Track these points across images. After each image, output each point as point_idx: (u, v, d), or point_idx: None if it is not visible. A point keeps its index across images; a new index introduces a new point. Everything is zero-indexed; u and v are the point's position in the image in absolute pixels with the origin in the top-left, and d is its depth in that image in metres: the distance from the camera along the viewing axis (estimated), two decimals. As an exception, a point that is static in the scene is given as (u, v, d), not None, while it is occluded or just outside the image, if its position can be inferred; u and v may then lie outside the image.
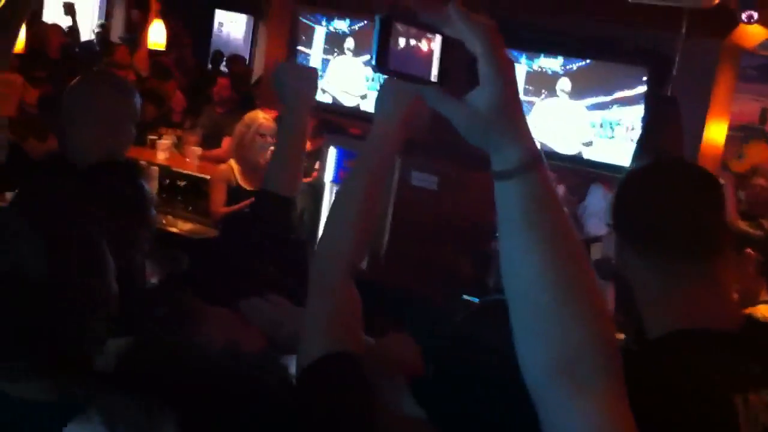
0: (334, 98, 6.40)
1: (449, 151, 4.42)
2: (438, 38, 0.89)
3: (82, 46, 8.41)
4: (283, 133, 2.08)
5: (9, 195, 3.04)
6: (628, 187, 1.48)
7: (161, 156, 5.86)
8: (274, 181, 2.01)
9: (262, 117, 4.66)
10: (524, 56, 5.84)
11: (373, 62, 0.92)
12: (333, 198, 4.70)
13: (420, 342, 1.61)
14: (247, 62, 10.48)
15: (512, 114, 0.89)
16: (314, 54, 6.36)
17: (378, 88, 1.55)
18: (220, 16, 12.04)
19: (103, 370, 1.34)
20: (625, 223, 1.45)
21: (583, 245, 0.94)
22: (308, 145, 6.23)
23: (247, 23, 12.33)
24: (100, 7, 10.41)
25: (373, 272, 4.41)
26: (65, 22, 7.81)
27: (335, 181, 4.59)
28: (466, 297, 3.64)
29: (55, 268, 1.20)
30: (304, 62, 6.29)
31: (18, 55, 5.67)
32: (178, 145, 6.18)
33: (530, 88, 5.87)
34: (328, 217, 1.46)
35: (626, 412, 0.91)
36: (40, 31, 6.88)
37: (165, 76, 7.11)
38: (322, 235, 1.46)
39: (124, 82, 2.67)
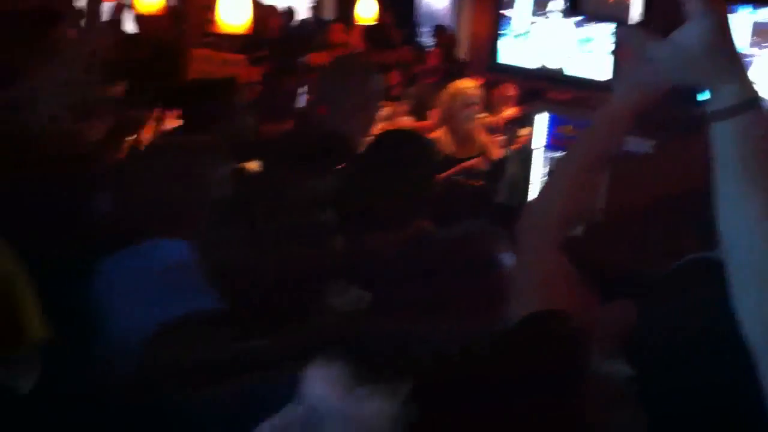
0: (540, 61, 6.28)
1: (665, 111, 4.21)
2: None
3: (299, 24, 8.87)
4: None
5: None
6: None
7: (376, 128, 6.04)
8: None
9: (469, 86, 4.69)
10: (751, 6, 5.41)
11: (568, 4, 0.92)
12: (544, 164, 4.65)
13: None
14: (450, 32, 10.51)
15: (726, 48, 0.84)
16: (519, 16, 6.27)
17: (611, 60, 1.50)
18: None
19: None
20: None
21: None
22: (515, 111, 6.20)
23: (450, -9, 12.35)
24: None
25: (589, 243, 4.33)
26: (281, 2, 8.28)
27: (548, 147, 4.53)
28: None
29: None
30: (507, 25, 6.22)
31: (240, 36, 6.01)
32: (390, 118, 6.36)
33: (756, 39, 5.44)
34: (543, 186, 1.45)
35: None
36: (259, 13, 7.30)
37: (385, 45, 7.29)
38: (532, 202, 1.45)
39: (371, 63, 2.96)
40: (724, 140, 0.87)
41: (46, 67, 2.39)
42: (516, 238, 1.42)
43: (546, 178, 1.53)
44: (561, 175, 1.40)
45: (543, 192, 1.42)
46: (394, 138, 2.37)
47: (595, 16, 1.07)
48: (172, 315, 1.65)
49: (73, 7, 5.14)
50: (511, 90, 6.18)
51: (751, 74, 0.87)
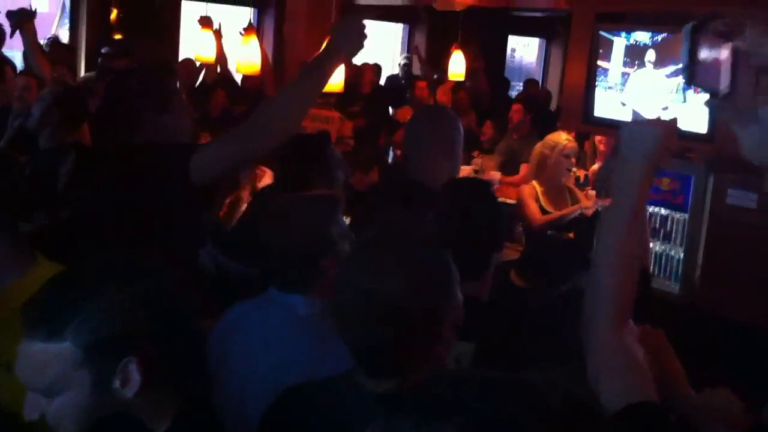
0: (634, 112, 6.18)
1: (769, 164, 4.07)
2: (728, 47, 0.83)
3: (388, 80, 9.05)
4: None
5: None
6: None
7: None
8: None
9: (565, 138, 4.65)
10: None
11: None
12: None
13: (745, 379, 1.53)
14: (540, 85, 10.51)
15: None
16: (613, 68, 6.22)
17: (626, 128, 1.51)
18: (513, 41, 12.23)
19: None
20: None
21: None
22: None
23: (540, 46, 12.40)
24: (402, 41, 11.09)
25: (687, 296, 4.19)
26: (371, 58, 8.48)
27: (643, 200, 4.44)
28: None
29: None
30: (603, 76, 6.17)
31: (334, 94, 6.18)
32: (480, 171, 6.37)
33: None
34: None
35: None
36: (355, 70, 7.50)
37: (464, 113, 7.39)
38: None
39: (453, 114, 3.01)
40: None
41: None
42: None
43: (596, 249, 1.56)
44: (605, 241, 1.49)
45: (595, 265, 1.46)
46: (459, 186, 2.36)
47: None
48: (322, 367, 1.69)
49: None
50: (603, 142, 6.10)
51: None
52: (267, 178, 4.08)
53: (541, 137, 5.27)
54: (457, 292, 1.42)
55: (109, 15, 7.16)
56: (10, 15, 4.58)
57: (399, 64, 9.82)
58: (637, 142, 1.46)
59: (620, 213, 1.47)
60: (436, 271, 1.40)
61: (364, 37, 2.32)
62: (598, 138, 6.33)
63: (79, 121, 3.65)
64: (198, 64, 6.77)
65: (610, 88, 6.02)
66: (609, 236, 1.47)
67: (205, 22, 6.22)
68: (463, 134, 2.84)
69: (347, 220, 2.24)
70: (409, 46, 10.27)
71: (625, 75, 6.29)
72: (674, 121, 1.46)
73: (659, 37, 6.07)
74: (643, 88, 6.24)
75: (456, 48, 7.40)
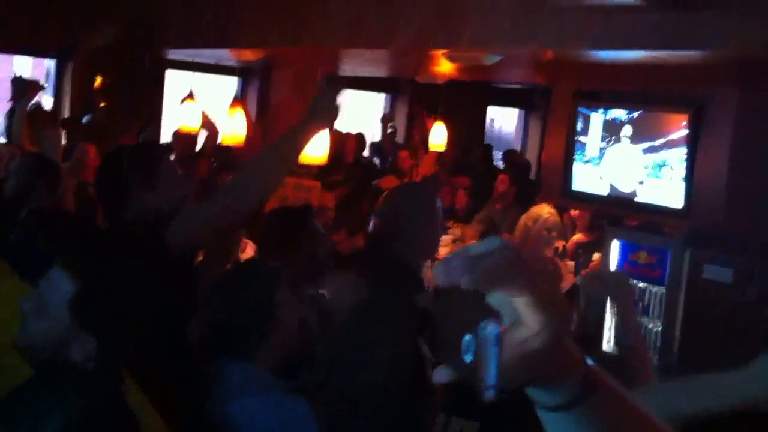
0: (611, 186, 6.30)
1: (744, 240, 4.14)
2: None
3: (372, 147, 9.17)
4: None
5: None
6: None
7: (443, 251, 6.10)
8: None
9: (548, 212, 4.73)
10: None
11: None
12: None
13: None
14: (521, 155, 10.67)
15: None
16: (591, 143, 6.35)
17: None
18: (492, 111, 12.46)
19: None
20: None
21: None
22: (586, 237, 6.16)
23: (519, 116, 12.63)
24: (384, 108, 11.26)
25: (666, 369, 4.20)
26: (352, 127, 8.62)
27: (620, 274, 4.48)
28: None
29: None
30: (581, 151, 6.29)
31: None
32: (459, 240, 6.42)
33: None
34: None
35: None
36: (339, 139, 7.60)
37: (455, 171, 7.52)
38: None
39: (431, 190, 3.04)
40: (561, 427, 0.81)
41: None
42: None
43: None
44: None
45: None
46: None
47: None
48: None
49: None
50: (582, 215, 6.19)
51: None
52: (249, 250, 4.09)
53: (523, 208, 5.35)
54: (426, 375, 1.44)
55: (93, 83, 7.24)
56: (17, 82, 4.60)
57: (386, 133, 9.96)
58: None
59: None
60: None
61: (339, 108, 2.46)
62: (573, 212, 6.42)
63: (54, 188, 3.67)
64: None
65: (588, 162, 6.14)
66: None
67: (189, 96, 6.32)
68: (440, 207, 2.84)
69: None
70: (391, 116, 10.43)
71: (602, 149, 6.43)
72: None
73: (635, 114, 6.22)
74: (619, 163, 6.37)
75: (437, 119, 7.55)
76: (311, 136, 2.45)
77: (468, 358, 0.71)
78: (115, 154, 2.64)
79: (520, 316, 0.73)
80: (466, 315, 0.73)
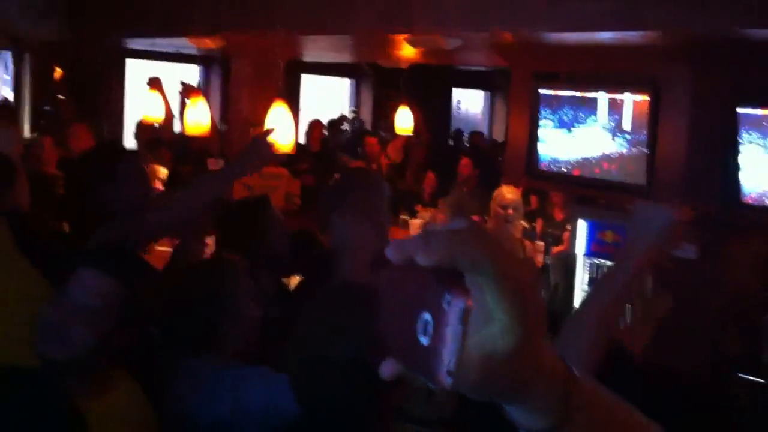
0: (575, 164, 6.35)
1: (708, 216, 4.20)
2: None
3: (338, 137, 9.13)
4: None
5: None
6: None
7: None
8: None
9: (506, 190, 4.76)
10: None
11: None
12: (585, 270, 4.63)
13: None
14: (488, 136, 10.70)
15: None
16: (553, 123, 6.39)
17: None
18: (458, 93, 12.47)
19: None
20: None
21: None
22: (555, 217, 6.18)
23: (485, 98, 12.66)
24: (350, 95, 11.23)
25: (632, 346, 4.25)
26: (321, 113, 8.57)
27: (587, 254, 4.53)
28: (740, 375, 3.38)
29: None
30: (544, 131, 6.31)
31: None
32: (429, 223, 6.43)
33: None
34: (567, 325, 1.54)
35: None
36: (306, 127, 7.55)
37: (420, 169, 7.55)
38: (560, 338, 1.50)
39: (376, 177, 2.99)
40: None
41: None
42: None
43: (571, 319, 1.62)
44: (584, 314, 1.56)
45: (569, 332, 1.50)
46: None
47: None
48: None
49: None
50: (557, 195, 6.21)
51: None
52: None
53: (488, 190, 5.36)
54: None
55: (53, 74, 7.12)
56: None
57: (347, 118, 9.94)
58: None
59: (611, 283, 1.55)
60: None
61: (267, 160, 2.75)
62: (555, 195, 6.34)
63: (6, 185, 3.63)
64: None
65: (551, 141, 6.15)
66: (595, 297, 1.57)
67: (153, 83, 6.23)
68: (387, 194, 2.71)
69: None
70: (356, 101, 10.40)
71: (565, 129, 6.47)
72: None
73: (596, 94, 6.26)
74: (583, 142, 6.41)
75: (402, 104, 7.53)
76: (232, 180, 2.85)
77: (424, 341, 0.59)
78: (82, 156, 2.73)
79: (485, 307, 0.60)
80: (422, 291, 0.60)
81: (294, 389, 1.44)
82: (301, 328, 1.50)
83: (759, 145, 4.84)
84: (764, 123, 4.78)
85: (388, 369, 0.63)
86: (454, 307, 0.59)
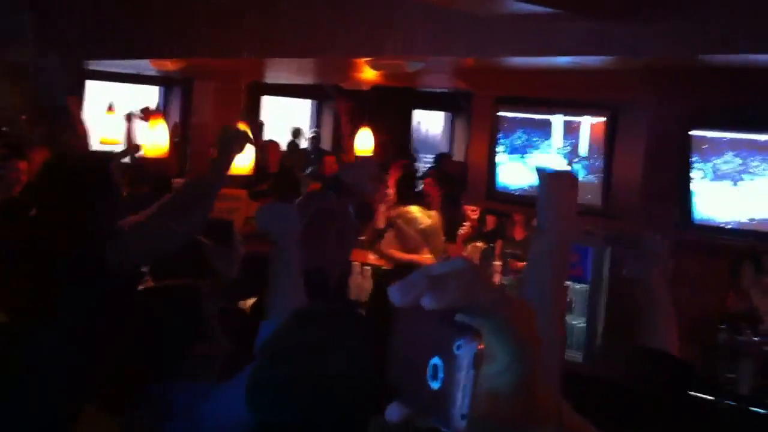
0: (533, 186, 6.45)
1: (661, 238, 4.30)
2: None
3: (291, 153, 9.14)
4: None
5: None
6: None
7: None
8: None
9: (419, 212, 4.80)
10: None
11: None
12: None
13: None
14: (452, 158, 10.77)
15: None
16: (513, 145, 6.50)
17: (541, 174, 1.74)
18: (418, 115, 12.56)
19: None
20: None
21: None
22: (520, 234, 6.22)
23: (445, 119, 12.77)
24: (311, 116, 11.25)
25: (589, 364, 4.33)
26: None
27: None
28: (693, 393, 3.46)
29: None
30: (504, 153, 6.40)
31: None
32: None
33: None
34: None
35: None
36: (264, 149, 7.54)
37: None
38: None
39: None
40: None
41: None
42: None
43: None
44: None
45: None
46: None
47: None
48: None
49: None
50: (515, 216, 6.28)
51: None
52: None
53: (452, 209, 5.42)
54: None
55: (17, 95, 7.03)
56: None
57: (306, 138, 9.95)
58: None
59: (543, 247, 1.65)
60: None
61: (243, 146, 2.66)
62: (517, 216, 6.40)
63: None
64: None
65: (511, 163, 6.24)
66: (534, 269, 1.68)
67: (110, 108, 6.20)
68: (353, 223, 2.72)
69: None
70: (318, 122, 10.43)
71: (524, 152, 6.57)
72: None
73: (554, 118, 6.38)
74: (541, 164, 6.52)
75: (363, 125, 7.58)
76: (229, 164, 2.67)
77: (435, 385, 0.60)
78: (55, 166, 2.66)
79: (486, 347, 0.62)
80: (429, 336, 0.62)
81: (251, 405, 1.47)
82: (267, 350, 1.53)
83: (711, 167, 4.98)
84: (717, 146, 4.92)
85: (395, 413, 0.63)
86: (465, 351, 0.60)
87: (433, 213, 5.05)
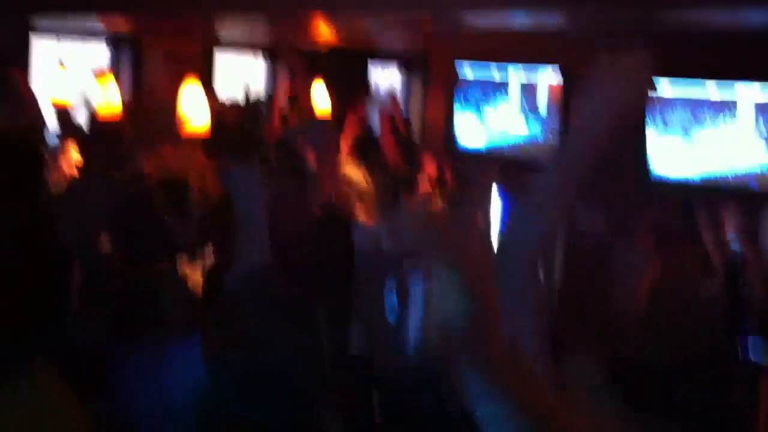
0: (494, 142, 6.48)
1: (615, 192, 4.36)
2: None
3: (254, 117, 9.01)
4: None
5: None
6: None
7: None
8: None
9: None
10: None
11: None
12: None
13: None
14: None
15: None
16: (458, 103, 6.49)
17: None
18: (375, 75, 12.43)
19: None
20: None
21: None
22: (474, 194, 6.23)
23: (402, 81, 12.68)
24: (266, 74, 11.10)
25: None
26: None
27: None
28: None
29: None
30: (462, 111, 6.38)
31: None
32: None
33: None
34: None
35: None
36: (216, 107, 7.39)
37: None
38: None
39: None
40: None
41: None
42: None
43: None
44: None
45: None
46: None
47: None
48: None
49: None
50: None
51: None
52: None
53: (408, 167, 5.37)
54: None
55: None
56: None
57: (261, 97, 9.77)
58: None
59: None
60: None
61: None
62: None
63: None
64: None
65: (470, 121, 6.25)
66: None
67: (61, 63, 6.02)
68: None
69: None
70: (273, 81, 10.27)
71: (484, 110, 6.58)
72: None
73: (511, 76, 6.39)
74: (501, 122, 6.54)
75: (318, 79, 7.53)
76: None
77: (392, 320, 0.67)
78: None
79: (444, 283, 0.65)
80: (387, 273, 0.69)
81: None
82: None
83: (663, 125, 5.06)
84: (672, 105, 4.99)
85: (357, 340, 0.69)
86: (418, 287, 0.65)
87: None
